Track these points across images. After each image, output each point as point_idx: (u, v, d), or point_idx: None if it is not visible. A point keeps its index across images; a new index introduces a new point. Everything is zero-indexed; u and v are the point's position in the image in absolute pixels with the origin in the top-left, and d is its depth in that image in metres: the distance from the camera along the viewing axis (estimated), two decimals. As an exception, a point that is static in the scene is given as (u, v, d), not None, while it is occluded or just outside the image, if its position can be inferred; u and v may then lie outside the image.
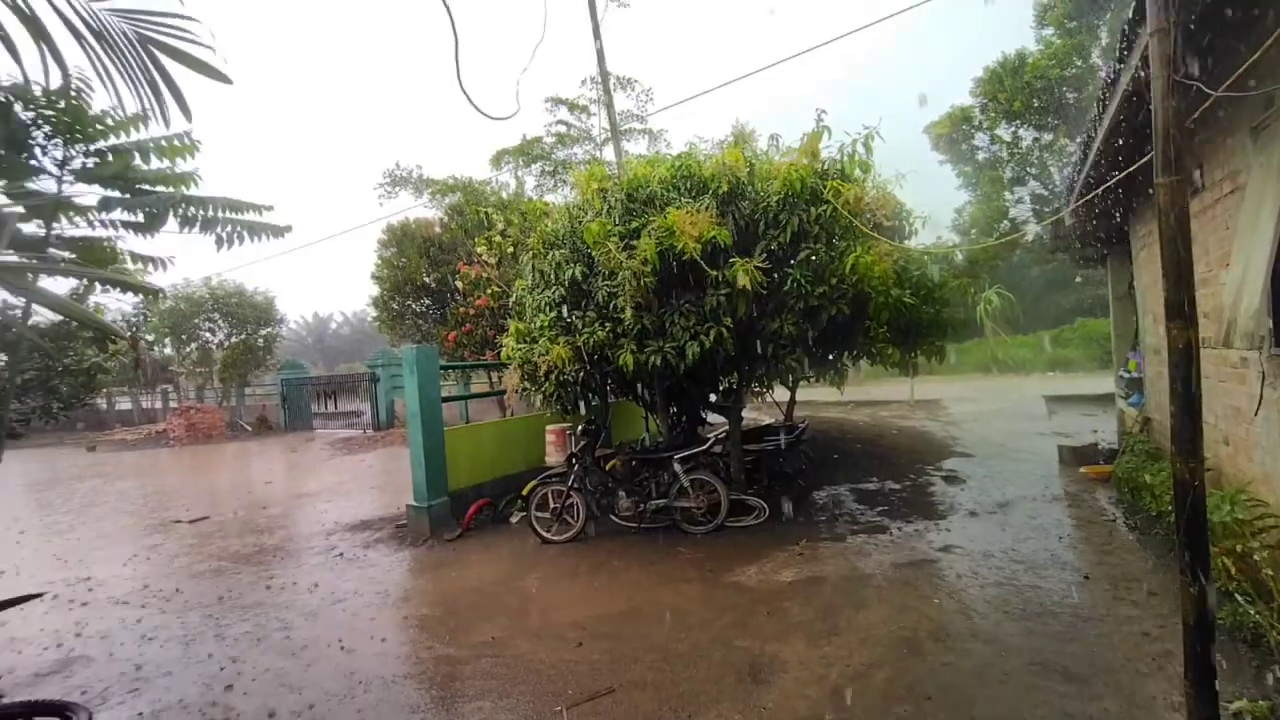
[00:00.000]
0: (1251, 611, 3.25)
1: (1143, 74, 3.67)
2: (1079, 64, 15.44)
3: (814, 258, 5.56)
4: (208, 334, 23.14)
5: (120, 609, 5.29)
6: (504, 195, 13.47)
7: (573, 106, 17.04)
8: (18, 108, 2.43)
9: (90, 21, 2.30)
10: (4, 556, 2.88)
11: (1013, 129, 17.29)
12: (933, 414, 13.79)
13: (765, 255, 5.52)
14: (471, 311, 10.99)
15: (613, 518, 6.40)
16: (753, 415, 12.71)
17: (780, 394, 10.55)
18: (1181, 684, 2.43)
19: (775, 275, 5.58)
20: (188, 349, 23.06)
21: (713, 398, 7.59)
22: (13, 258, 2.75)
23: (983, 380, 20.90)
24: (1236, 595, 3.48)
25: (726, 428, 7.17)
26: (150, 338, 20.64)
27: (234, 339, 23.26)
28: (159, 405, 26.96)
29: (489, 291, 9.96)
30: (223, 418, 21.39)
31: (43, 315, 3.25)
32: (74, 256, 3.05)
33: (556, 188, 16.74)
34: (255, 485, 11.47)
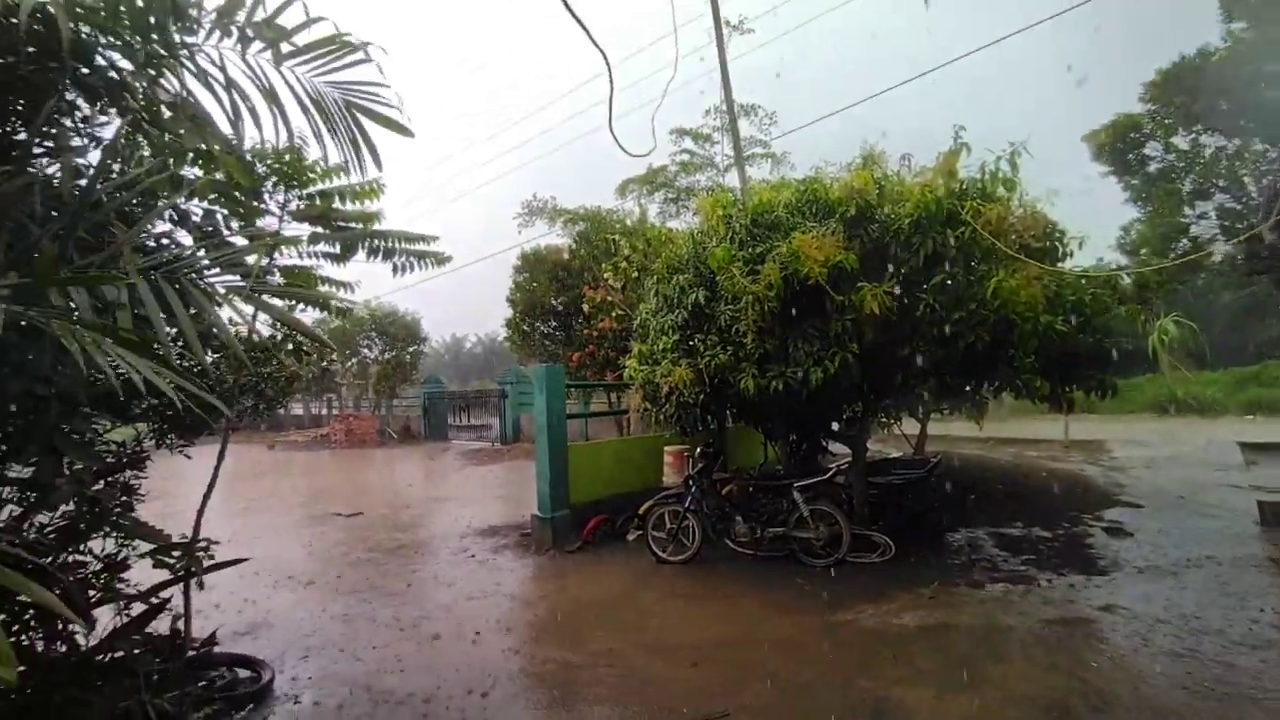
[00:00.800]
0: None
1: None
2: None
3: (950, 282, 5.26)
4: (365, 350, 26.09)
5: (294, 586, 6.09)
6: (628, 222, 14.06)
7: (696, 136, 17.47)
8: (257, 164, 3.01)
9: (311, 92, 2.81)
10: (210, 531, 3.52)
11: (1192, 135, 15.18)
12: (1092, 457, 12.26)
13: (895, 279, 5.32)
14: (595, 334, 11.51)
15: (728, 542, 6.35)
16: (877, 448, 12.04)
17: (910, 426, 9.92)
18: None
19: (906, 300, 5.35)
20: (349, 363, 26.12)
21: (835, 426, 7.34)
22: (240, 282, 3.39)
23: (1157, 422, 18.24)
24: None
25: (849, 458, 6.89)
26: (333, 354, 23.69)
27: (386, 355, 26.03)
28: (323, 411, 30.71)
29: (613, 315, 10.40)
30: (374, 425, 23.91)
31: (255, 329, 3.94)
32: (284, 282, 3.67)
33: (679, 214, 17.15)
34: (400, 488, 12.70)
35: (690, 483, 6.37)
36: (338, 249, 3.35)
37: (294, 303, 3.42)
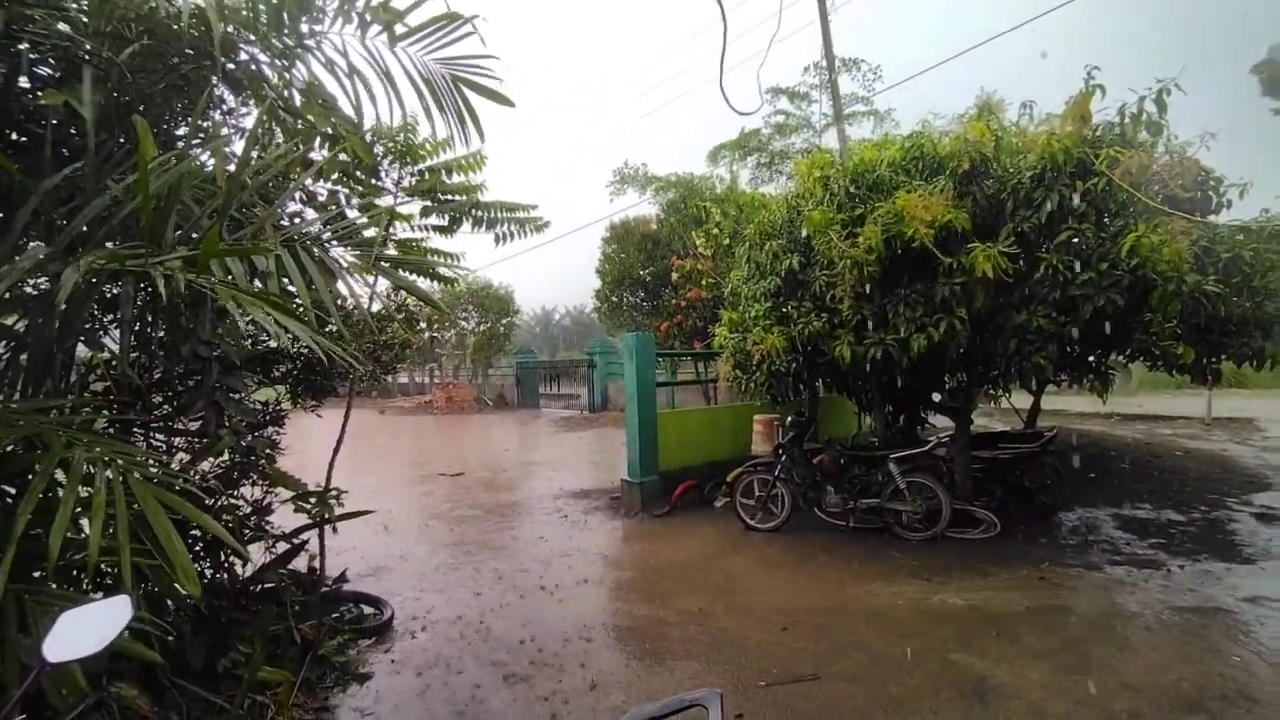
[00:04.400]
0: None
1: None
2: None
3: (1076, 240, 4.79)
4: (463, 321, 27.49)
5: (409, 537, 6.66)
6: (719, 189, 13.79)
7: (793, 95, 16.68)
8: (375, 144, 3.23)
9: (421, 70, 2.96)
10: (338, 482, 3.96)
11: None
12: (1240, 435, 10.91)
13: (1013, 239, 4.92)
14: (683, 303, 11.49)
15: (818, 512, 6.26)
16: (983, 421, 11.32)
17: (1021, 400, 9.22)
18: None
19: (1024, 261, 4.94)
20: (449, 334, 27.65)
21: (937, 397, 6.97)
22: (358, 254, 3.68)
23: (1325, 399, 15.86)
24: None
25: (950, 432, 6.54)
26: (436, 321, 25.22)
27: (481, 327, 27.30)
28: (426, 380, 32.84)
29: (702, 284, 10.32)
30: (472, 393, 25.33)
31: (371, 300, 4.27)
32: (397, 254, 3.94)
33: (772, 179, 16.58)
34: (497, 451, 13.44)
35: (780, 451, 6.31)
36: (446, 221, 3.55)
37: (410, 272, 3.67)
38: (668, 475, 7.49)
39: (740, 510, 6.41)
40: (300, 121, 2.97)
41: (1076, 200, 4.79)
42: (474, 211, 3.47)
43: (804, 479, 6.26)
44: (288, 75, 2.83)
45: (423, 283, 3.84)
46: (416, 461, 12.05)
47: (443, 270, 3.49)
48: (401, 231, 3.96)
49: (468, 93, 3.02)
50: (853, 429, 8.94)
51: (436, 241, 4.03)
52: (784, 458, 6.22)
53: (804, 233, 5.68)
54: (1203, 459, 8.93)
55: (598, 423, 17.28)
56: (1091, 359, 5.87)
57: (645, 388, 7.43)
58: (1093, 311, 4.73)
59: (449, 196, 3.79)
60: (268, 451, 3.67)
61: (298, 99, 2.87)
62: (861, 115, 16.22)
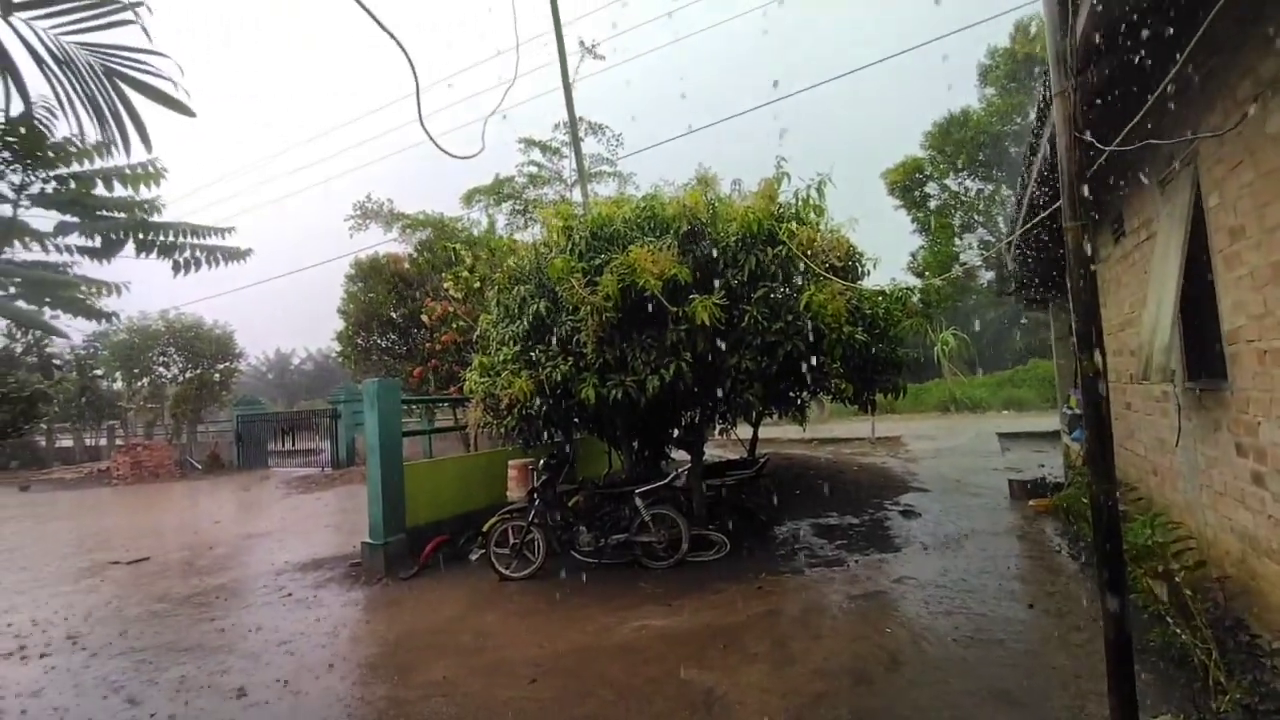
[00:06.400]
0: (1179, 632, 3.41)
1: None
2: (1019, 121, 16.56)
3: (771, 295, 5.77)
4: (161, 369, 22.35)
5: (42, 659, 4.98)
6: (474, 233, 13.63)
7: (544, 148, 17.46)
8: (-23, 133, 2.46)
9: (56, 53, 2.36)
10: None
11: (960, 180, 18.32)
12: (893, 451, 14.09)
13: (724, 293, 5.71)
14: (438, 347, 10.95)
15: (574, 553, 6.33)
16: (717, 452, 12.79)
17: (745, 431, 10.67)
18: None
19: (734, 312, 5.77)
20: (139, 384, 22.21)
21: (675, 433, 7.67)
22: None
23: (941, 419, 21.45)
24: (1167, 618, 3.64)
25: (690, 463, 7.23)
26: (99, 371, 19.81)
27: (188, 374, 22.51)
28: (104, 442, 25.76)
29: (455, 327, 9.96)
30: (171, 456, 20.51)
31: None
32: (22, 279, 3.02)
33: (527, 226, 16.97)
34: (202, 525, 10.99)
35: (534, 495, 6.27)
36: (97, 242, 2.83)
37: (38, 305, 2.83)
38: (417, 532, 6.90)
39: (494, 560, 6.17)
40: None
41: (769, 263, 5.78)
42: (143, 233, 2.83)
43: (558, 521, 6.30)
44: None
45: (83, 324, 3.00)
46: (78, 550, 9.22)
47: (88, 303, 2.75)
48: (35, 253, 3.05)
49: (131, 94, 2.50)
50: (606, 468, 9.34)
51: (91, 269, 3.20)
52: (538, 501, 6.19)
53: (551, 279, 5.87)
54: (870, 470, 11.29)
55: (342, 480, 15.29)
56: (790, 394, 7.06)
57: (390, 438, 6.82)
58: (785, 355, 5.71)
59: (109, 213, 3.05)
60: None
61: None
62: (607, 175, 17.69)
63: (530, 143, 17.41)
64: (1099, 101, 3.83)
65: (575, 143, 9.21)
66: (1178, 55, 2.91)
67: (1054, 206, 5.00)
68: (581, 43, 15.79)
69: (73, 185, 2.90)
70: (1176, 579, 3.36)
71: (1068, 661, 3.67)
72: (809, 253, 5.71)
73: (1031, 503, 7.54)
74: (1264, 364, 3.18)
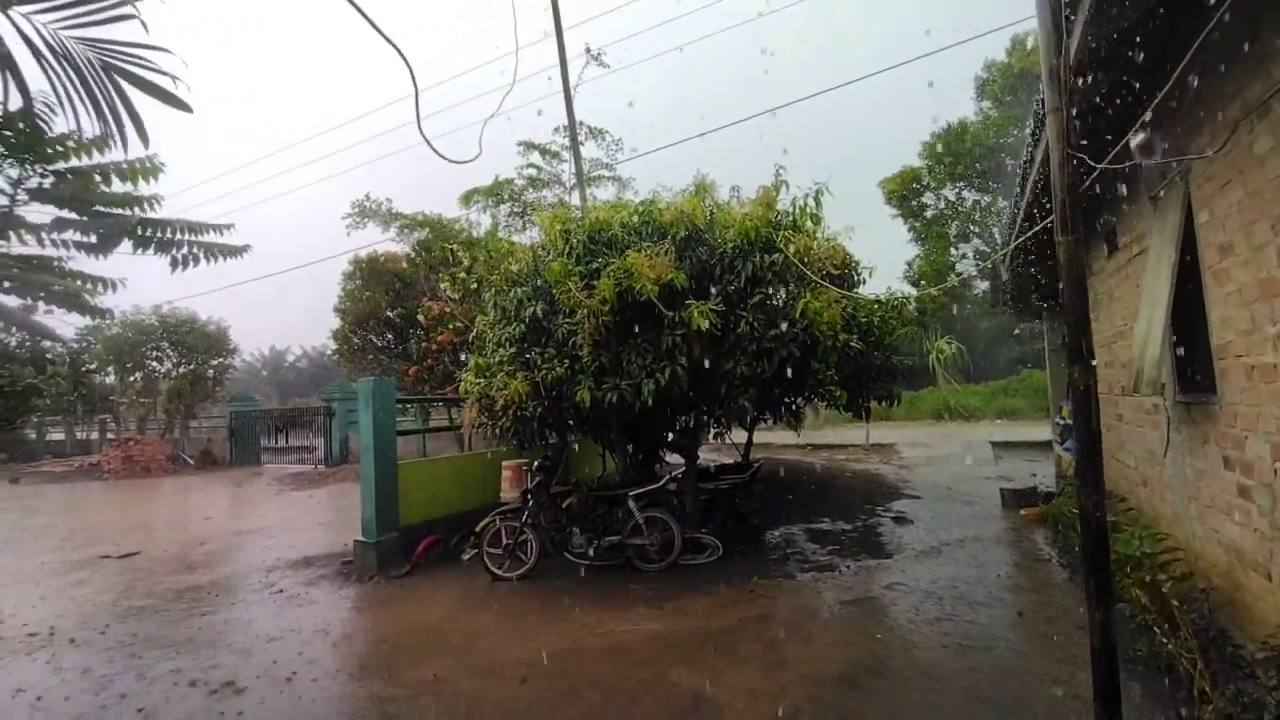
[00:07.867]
0: (1165, 642, 3.44)
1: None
2: (1015, 133, 16.69)
3: (768, 302, 5.80)
4: (154, 363, 22.19)
5: (30, 653, 4.96)
6: (473, 234, 13.63)
7: (544, 151, 17.46)
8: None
9: (55, 47, 2.37)
10: None
11: (957, 190, 18.44)
12: (886, 458, 14.13)
13: (721, 298, 5.74)
14: (434, 347, 10.94)
15: (566, 555, 6.34)
16: (711, 456, 12.80)
17: (740, 435, 10.70)
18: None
19: (730, 318, 5.79)
20: (132, 378, 22.05)
21: (670, 437, 7.69)
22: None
23: (935, 427, 21.54)
24: (1154, 628, 3.67)
25: (683, 467, 7.25)
26: (93, 365, 19.68)
27: (182, 369, 22.36)
28: (95, 436, 25.61)
29: (451, 327, 9.96)
30: (163, 450, 20.39)
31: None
32: (18, 273, 3.02)
33: (525, 228, 16.94)
34: (194, 520, 10.95)
35: (528, 496, 6.28)
36: (94, 238, 2.83)
37: (31, 300, 2.83)
38: (410, 531, 6.90)
39: (487, 560, 6.17)
40: None
41: (766, 270, 5.81)
42: (140, 229, 2.83)
43: (551, 522, 6.31)
44: None
45: (77, 319, 3.00)
46: (67, 544, 9.16)
47: (84, 298, 2.75)
48: (30, 247, 3.05)
49: (129, 89, 2.50)
50: (599, 470, 9.35)
51: (85, 263, 3.19)
52: (531, 502, 6.20)
53: (548, 282, 5.89)
54: (862, 476, 11.32)
55: (335, 478, 15.25)
56: (785, 399, 7.09)
57: (384, 437, 6.81)
58: (780, 361, 5.74)
59: (107, 209, 3.05)
60: None
61: None
62: (606, 179, 17.70)
63: (530, 146, 17.41)
64: (1092, 118, 3.87)
65: (574, 146, 9.24)
66: (1169, 69, 2.96)
67: (1047, 221, 5.05)
68: (587, 49, 15.86)
69: (70, 180, 2.90)
70: (1164, 589, 3.39)
71: (1055, 669, 3.70)
72: (806, 260, 5.75)
73: (1023, 511, 7.58)
74: (1251, 379, 3.22)
